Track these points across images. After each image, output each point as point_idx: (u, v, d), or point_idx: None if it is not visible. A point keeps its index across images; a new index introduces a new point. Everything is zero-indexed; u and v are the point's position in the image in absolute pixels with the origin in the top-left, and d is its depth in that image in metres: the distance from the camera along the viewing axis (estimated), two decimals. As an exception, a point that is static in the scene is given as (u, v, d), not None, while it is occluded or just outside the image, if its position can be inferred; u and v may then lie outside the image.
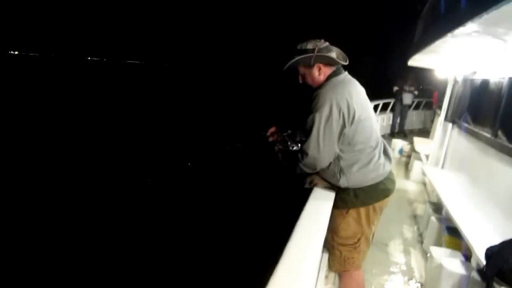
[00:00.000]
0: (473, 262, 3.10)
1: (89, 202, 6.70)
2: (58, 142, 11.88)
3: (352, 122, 2.20)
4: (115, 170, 8.21)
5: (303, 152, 2.27)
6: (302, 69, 2.39)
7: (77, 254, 5.04)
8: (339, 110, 2.17)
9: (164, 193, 6.58)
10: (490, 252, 2.55)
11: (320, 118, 2.18)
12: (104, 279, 4.67)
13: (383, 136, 12.15)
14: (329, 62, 2.33)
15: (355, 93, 2.28)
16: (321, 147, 2.20)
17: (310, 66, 2.35)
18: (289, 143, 2.44)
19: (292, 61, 2.34)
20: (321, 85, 2.34)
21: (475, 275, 2.78)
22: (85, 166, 8.96)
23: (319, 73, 2.35)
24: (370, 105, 2.41)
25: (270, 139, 2.57)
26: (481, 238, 3.01)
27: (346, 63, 2.38)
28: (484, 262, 2.58)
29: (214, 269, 5.14)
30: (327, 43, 2.35)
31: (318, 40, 2.34)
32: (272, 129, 2.60)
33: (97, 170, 8.50)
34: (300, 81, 2.45)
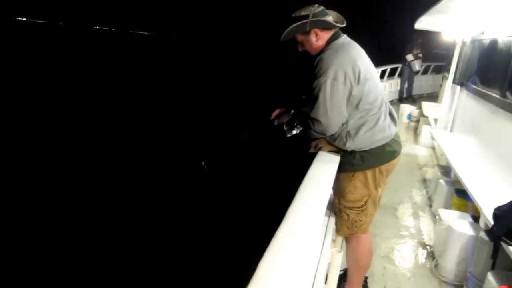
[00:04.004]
0: (481, 222, 3.10)
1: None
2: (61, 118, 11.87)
3: (358, 83, 2.17)
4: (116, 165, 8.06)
5: (312, 119, 2.23)
6: (299, 37, 2.34)
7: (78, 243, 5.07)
8: (344, 73, 2.13)
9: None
10: (498, 212, 2.55)
11: (326, 82, 2.14)
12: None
13: (391, 102, 12.06)
14: (326, 26, 2.28)
15: (357, 54, 2.25)
16: (329, 112, 2.17)
17: (307, 33, 2.29)
18: (295, 124, 2.41)
19: (287, 29, 2.29)
20: (322, 50, 2.29)
21: (483, 235, 2.78)
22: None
23: (317, 38, 2.29)
24: (373, 65, 2.36)
25: (276, 123, 2.54)
26: (490, 199, 3.00)
27: (344, 25, 2.32)
28: (492, 223, 2.59)
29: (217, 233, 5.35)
30: (322, 7, 2.29)
31: (312, 5, 2.27)
32: (276, 112, 2.56)
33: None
34: (300, 49, 2.40)
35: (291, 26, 2.28)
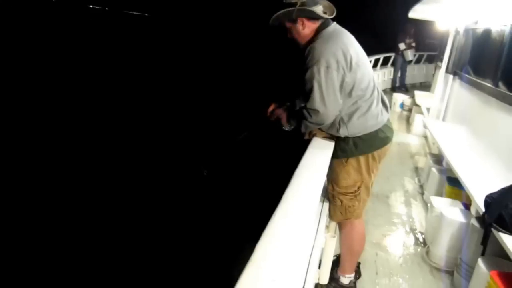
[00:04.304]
0: (473, 210, 3.14)
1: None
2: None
3: (350, 69, 2.18)
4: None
5: (308, 109, 2.22)
6: (287, 24, 2.33)
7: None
8: (336, 60, 2.13)
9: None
10: (490, 199, 2.59)
11: (319, 70, 2.13)
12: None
13: (384, 91, 12.06)
14: (313, 16, 2.27)
15: (348, 41, 2.26)
16: (326, 100, 2.16)
17: (293, 21, 2.29)
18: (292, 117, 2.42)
19: (274, 15, 2.29)
20: (312, 40, 2.29)
21: (474, 222, 2.82)
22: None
23: (303, 27, 2.29)
24: (364, 52, 2.37)
25: (272, 119, 2.54)
26: (481, 187, 3.03)
27: (331, 17, 2.32)
28: (483, 210, 2.63)
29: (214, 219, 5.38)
30: None
31: None
32: (271, 107, 2.57)
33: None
34: (288, 36, 2.40)
35: (278, 13, 2.27)
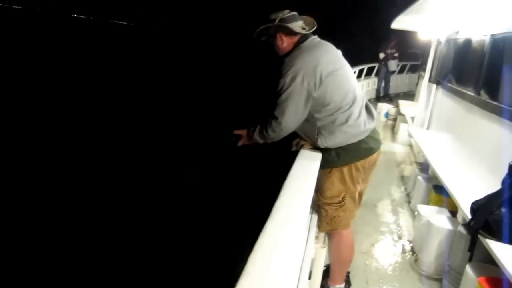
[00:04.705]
0: (459, 217, 3.18)
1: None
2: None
3: (320, 84, 2.23)
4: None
5: (271, 117, 2.33)
6: (270, 38, 2.46)
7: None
8: (303, 75, 2.21)
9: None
10: (475, 206, 2.62)
11: (284, 83, 2.23)
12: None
13: (369, 100, 12.18)
14: (290, 32, 2.37)
15: (322, 54, 2.32)
16: (285, 111, 2.26)
17: (273, 36, 2.41)
18: None
19: (256, 31, 2.42)
20: (289, 53, 2.39)
21: (461, 229, 2.85)
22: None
23: (282, 42, 2.40)
24: (346, 63, 2.44)
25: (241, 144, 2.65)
26: (467, 194, 3.07)
27: (309, 32, 2.41)
28: (469, 217, 2.66)
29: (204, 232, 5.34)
30: (293, 13, 2.39)
31: (283, 10, 2.39)
32: (240, 142, 2.66)
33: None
34: (275, 50, 2.50)
35: (259, 28, 2.41)
